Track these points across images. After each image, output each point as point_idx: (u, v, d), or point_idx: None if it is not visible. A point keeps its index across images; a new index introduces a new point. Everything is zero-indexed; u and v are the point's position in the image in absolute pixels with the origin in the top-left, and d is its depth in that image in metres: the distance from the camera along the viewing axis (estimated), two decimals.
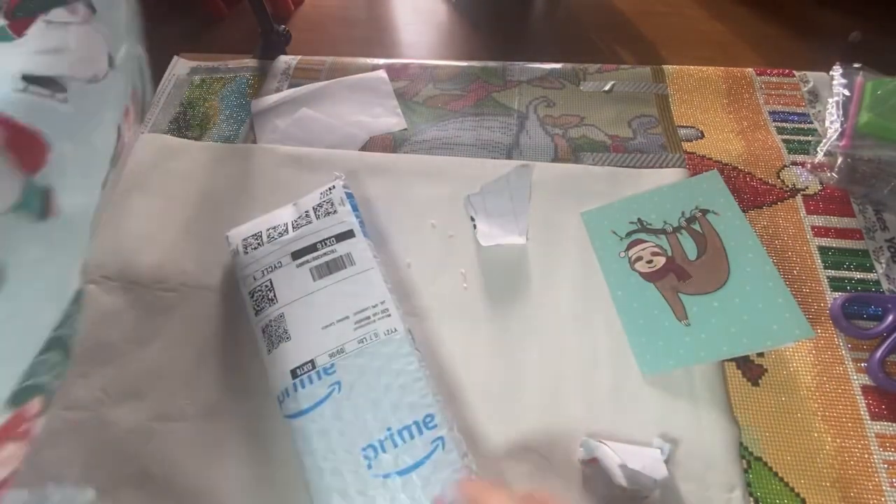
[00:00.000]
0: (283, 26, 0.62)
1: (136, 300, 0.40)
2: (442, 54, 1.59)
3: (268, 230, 0.38)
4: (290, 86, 0.55)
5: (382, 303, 0.34)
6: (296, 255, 0.36)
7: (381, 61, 0.56)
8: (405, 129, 0.50)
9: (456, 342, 0.37)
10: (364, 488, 0.28)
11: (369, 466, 0.28)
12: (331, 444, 0.29)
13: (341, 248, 0.36)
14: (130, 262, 0.42)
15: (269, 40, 0.61)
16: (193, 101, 0.55)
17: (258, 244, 0.37)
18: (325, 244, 0.36)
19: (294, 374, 0.31)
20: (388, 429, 0.29)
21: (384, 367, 0.31)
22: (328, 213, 0.38)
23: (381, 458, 0.28)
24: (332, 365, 0.31)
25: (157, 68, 0.58)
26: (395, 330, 0.33)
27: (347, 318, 0.33)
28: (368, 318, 0.33)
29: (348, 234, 0.37)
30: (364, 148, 0.49)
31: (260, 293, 0.35)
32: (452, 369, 0.36)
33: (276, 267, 0.36)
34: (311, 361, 0.31)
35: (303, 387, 0.31)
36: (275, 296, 0.34)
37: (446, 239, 0.42)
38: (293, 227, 0.37)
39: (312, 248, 0.36)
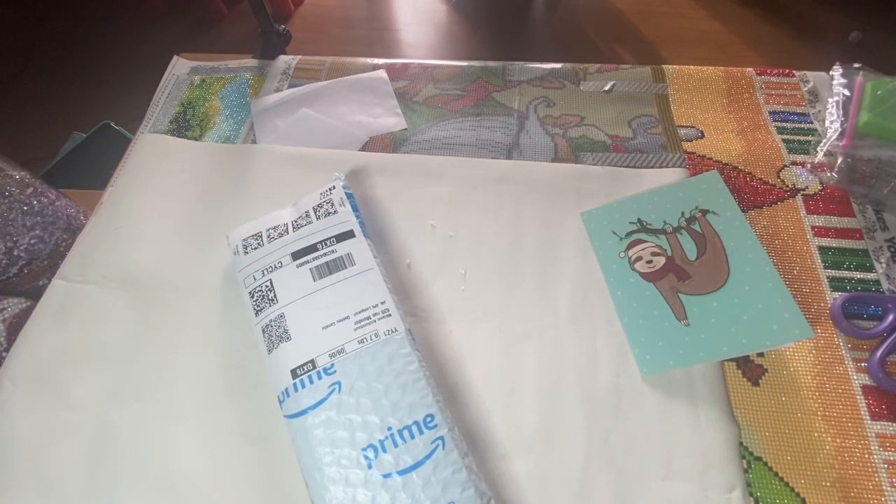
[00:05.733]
0: (283, 26, 0.62)
1: (136, 300, 0.40)
2: (442, 54, 1.60)
3: (268, 230, 0.38)
4: (290, 86, 0.55)
5: (382, 303, 0.34)
6: (296, 255, 0.36)
7: (381, 61, 0.56)
8: (405, 129, 0.50)
9: (456, 342, 0.37)
10: (364, 488, 0.28)
11: (370, 466, 0.28)
12: (331, 443, 0.29)
13: (341, 249, 0.36)
14: (130, 262, 0.42)
15: (269, 40, 0.61)
16: (193, 101, 0.55)
17: (258, 244, 0.37)
18: (326, 244, 0.36)
19: (294, 373, 0.31)
20: (389, 428, 0.29)
21: (384, 368, 0.31)
22: (328, 214, 0.38)
23: (381, 457, 0.28)
24: (332, 365, 0.31)
25: (157, 68, 0.58)
26: (396, 330, 0.33)
27: (348, 318, 0.33)
28: (369, 318, 0.33)
29: (348, 235, 0.37)
30: (364, 148, 0.49)
31: (260, 293, 0.35)
32: (452, 369, 0.36)
33: (276, 267, 0.36)
34: (312, 361, 0.31)
35: (303, 387, 0.31)
36: (275, 296, 0.34)
37: (446, 239, 0.42)
38: (293, 228, 0.37)
39: (313, 249, 0.36)
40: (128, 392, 0.36)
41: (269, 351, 0.33)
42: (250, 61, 0.58)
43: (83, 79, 1.54)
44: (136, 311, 0.39)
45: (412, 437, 0.29)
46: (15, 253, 0.42)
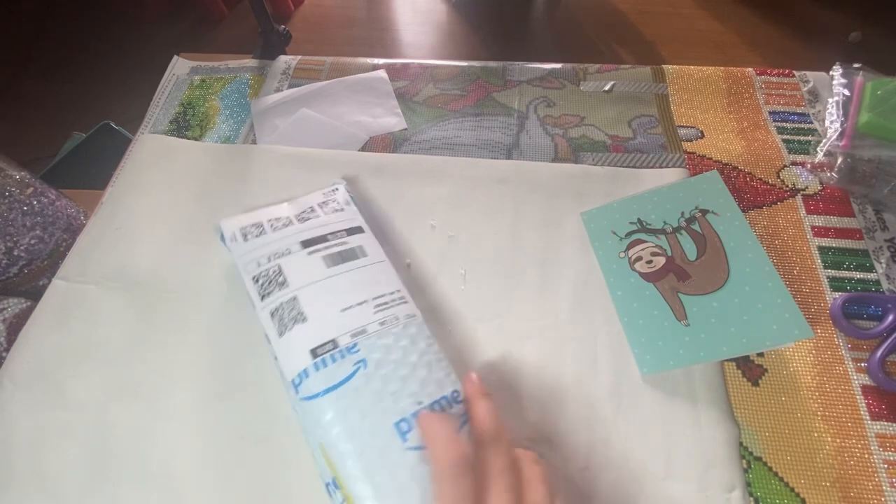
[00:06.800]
0: (283, 26, 0.62)
1: (136, 300, 0.40)
2: (442, 54, 1.60)
3: (269, 221, 0.37)
4: (290, 86, 0.55)
5: (398, 290, 0.34)
6: (305, 243, 0.35)
7: (381, 61, 0.56)
8: (405, 129, 0.51)
9: (456, 342, 0.37)
10: (402, 460, 0.27)
11: (404, 440, 0.27)
12: (361, 416, 0.28)
13: (353, 241, 0.36)
14: (130, 262, 0.42)
15: (269, 40, 0.61)
16: (193, 101, 0.55)
17: (260, 232, 0.36)
18: (336, 236, 0.36)
19: (314, 353, 0.30)
20: (420, 403, 0.28)
21: (409, 347, 0.31)
22: (336, 210, 0.38)
23: (414, 431, 0.27)
24: (356, 344, 0.30)
25: (158, 68, 0.58)
26: (415, 315, 0.32)
27: (366, 301, 0.32)
28: (386, 303, 0.32)
29: (358, 230, 0.37)
30: (364, 148, 0.49)
31: (266, 277, 0.33)
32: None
33: (284, 254, 0.34)
34: (333, 341, 0.30)
35: (325, 366, 0.29)
36: (285, 280, 0.33)
37: (446, 239, 0.42)
38: (298, 220, 0.37)
39: (323, 239, 0.35)
40: (128, 392, 0.36)
41: (281, 333, 0.31)
42: (250, 61, 0.58)
43: (83, 79, 1.54)
44: (136, 311, 0.39)
45: (443, 411, 0.28)
46: (15, 253, 0.42)
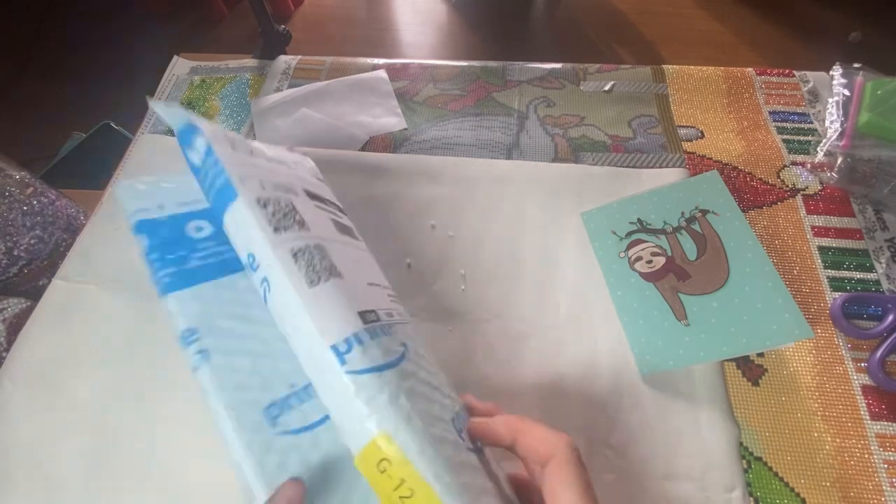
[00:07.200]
0: (283, 26, 0.62)
1: (136, 300, 0.40)
2: (442, 54, 1.60)
3: (251, 144, 0.28)
4: (290, 86, 0.55)
5: (392, 290, 0.29)
6: (311, 195, 0.28)
7: (381, 61, 0.56)
8: (405, 129, 0.51)
9: (456, 342, 0.37)
10: (468, 459, 0.22)
11: (462, 439, 0.22)
12: (427, 404, 0.22)
13: (345, 220, 0.30)
14: (130, 262, 0.41)
15: (269, 40, 0.61)
16: (193, 101, 0.55)
17: (249, 151, 0.26)
18: (331, 205, 0.29)
19: (364, 318, 0.22)
20: (455, 407, 0.24)
21: (425, 345, 0.26)
22: (319, 179, 0.33)
23: (464, 432, 0.23)
24: (391, 325, 0.24)
25: (157, 68, 0.58)
26: (410, 319, 0.28)
27: (379, 285, 0.26)
28: (391, 296, 0.27)
29: (343, 212, 0.32)
30: (364, 148, 0.49)
31: (279, 208, 0.24)
32: (452, 369, 0.36)
33: (291, 191, 0.26)
34: (374, 312, 0.23)
35: (377, 336, 0.22)
36: (303, 221, 0.25)
37: (446, 239, 0.42)
38: (280, 163, 0.29)
39: (321, 199, 0.28)
40: (128, 392, 0.36)
41: (313, 283, 0.22)
42: (250, 61, 0.58)
43: (83, 79, 1.54)
44: (137, 311, 0.39)
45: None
46: (15, 253, 0.42)
